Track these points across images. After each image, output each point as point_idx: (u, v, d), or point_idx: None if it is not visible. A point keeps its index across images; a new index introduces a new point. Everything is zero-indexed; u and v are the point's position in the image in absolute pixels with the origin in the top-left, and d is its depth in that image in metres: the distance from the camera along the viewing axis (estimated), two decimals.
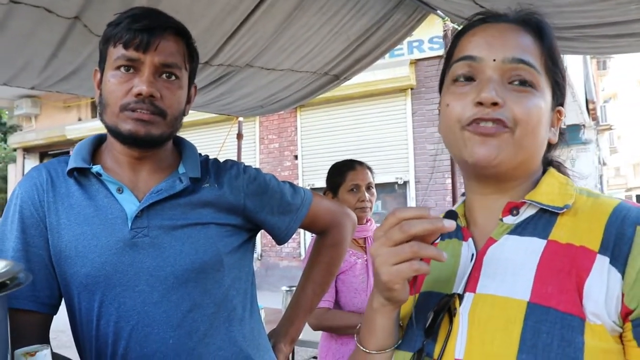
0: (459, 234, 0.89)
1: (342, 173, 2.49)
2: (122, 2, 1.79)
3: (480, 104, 0.78)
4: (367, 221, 2.51)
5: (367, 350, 0.84)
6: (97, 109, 1.24)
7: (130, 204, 1.20)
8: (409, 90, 9.62)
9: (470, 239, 0.86)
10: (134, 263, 1.17)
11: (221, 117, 9.07)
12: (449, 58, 0.89)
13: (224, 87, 3.10)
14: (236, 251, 1.31)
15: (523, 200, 0.82)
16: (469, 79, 0.82)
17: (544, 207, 0.80)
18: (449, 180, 7.95)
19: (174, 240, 1.20)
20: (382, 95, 9.83)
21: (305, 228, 1.50)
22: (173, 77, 1.20)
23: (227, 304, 1.26)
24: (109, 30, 1.19)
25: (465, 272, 0.82)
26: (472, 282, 0.80)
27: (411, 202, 9.48)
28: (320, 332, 2.46)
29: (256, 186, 1.36)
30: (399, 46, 9.34)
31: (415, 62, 9.54)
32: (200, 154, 1.38)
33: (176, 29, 1.22)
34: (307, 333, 3.19)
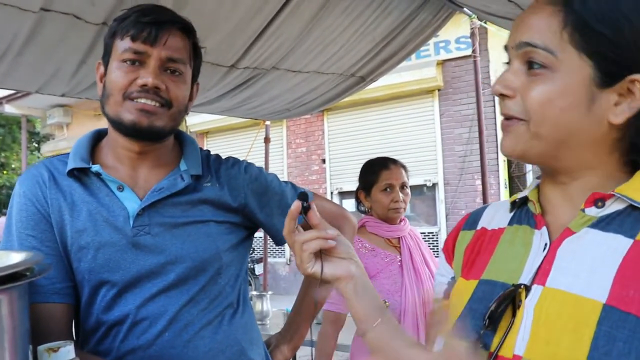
0: (531, 220, 0.82)
1: (375, 172, 2.42)
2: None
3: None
4: (401, 221, 2.46)
5: (364, 334, 0.85)
6: (100, 103, 1.24)
7: (131, 202, 1.21)
8: (437, 91, 9.53)
9: (544, 228, 0.78)
10: (136, 260, 1.19)
11: (249, 121, 9.11)
12: None
13: (251, 90, 3.11)
14: (234, 249, 1.32)
15: (612, 193, 0.72)
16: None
17: (636, 205, 0.70)
18: (479, 182, 7.86)
19: (174, 238, 1.22)
20: (409, 97, 9.76)
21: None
22: (177, 73, 1.22)
23: (222, 299, 1.29)
24: (116, 24, 1.20)
25: (535, 262, 0.75)
26: (541, 274, 0.73)
27: (440, 204, 9.39)
28: (352, 335, 2.42)
29: (257, 186, 1.37)
30: (425, 47, 9.30)
31: (442, 63, 9.44)
32: (201, 149, 1.38)
33: (183, 25, 1.23)
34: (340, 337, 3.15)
